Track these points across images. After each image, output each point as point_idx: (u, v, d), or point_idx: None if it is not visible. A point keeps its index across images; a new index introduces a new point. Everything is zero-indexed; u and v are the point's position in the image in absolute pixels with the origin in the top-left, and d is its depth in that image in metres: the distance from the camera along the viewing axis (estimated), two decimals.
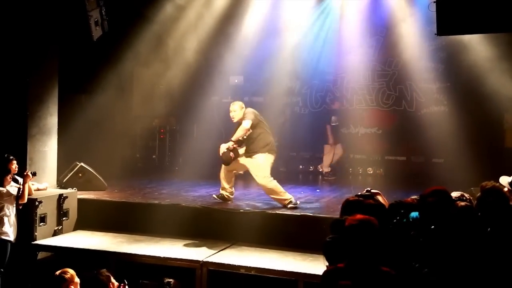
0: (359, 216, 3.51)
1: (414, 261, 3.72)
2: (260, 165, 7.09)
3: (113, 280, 4.15)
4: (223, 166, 7.30)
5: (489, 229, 3.95)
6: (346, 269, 3.36)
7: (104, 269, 4.20)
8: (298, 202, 7.09)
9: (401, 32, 10.28)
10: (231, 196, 7.41)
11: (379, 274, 3.31)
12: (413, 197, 4.38)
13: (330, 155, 10.78)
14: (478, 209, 4.29)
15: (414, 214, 3.99)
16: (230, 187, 7.39)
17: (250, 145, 7.19)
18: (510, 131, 9.47)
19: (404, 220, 3.98)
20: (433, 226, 3.83)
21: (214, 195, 7.42)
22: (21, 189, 6.23)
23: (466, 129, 9.48)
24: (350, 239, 3.37)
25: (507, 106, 9.17)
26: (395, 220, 3.97)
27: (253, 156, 7.13)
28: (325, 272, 3.49)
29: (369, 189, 4.41)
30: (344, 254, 3.42)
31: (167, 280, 4.23)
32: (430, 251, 3.75)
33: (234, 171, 7.44)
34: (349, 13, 10.41)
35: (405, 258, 3.74)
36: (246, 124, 7.05)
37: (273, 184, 7.09)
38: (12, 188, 6.24)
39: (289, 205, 6.97)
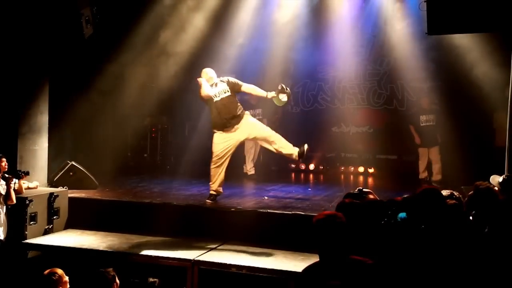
0: (326, 212, 3.60)
1: (402, 259, 3.74)
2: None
3: (117, 280, 4.17)
4: (214, 162, 7.30)
5: (486, 229, 3.99)
6: (322, 264, 3.42)
7: (111, 268, 4.22)
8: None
9: (392, 31, 10.32)
10: (220, 189, 7.40)
11: (356, 264, 3.36)
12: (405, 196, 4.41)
13: (424, 159, 9.69)
14: (468, 207, 4.32)
15: (402, 214, 4.01)
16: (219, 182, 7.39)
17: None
18: (500, 130, 9.52)
19: (392, 220, 4.00)
20: (423, 226, 3.85)
21: (207, 201, 7.35)
22: (8, 190, 6.20)
23: (456, 128, 9.53)
24: (318, 235, 3.43)
25: (497, 105, 9.22)
26: (383, 221, 3.98)
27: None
28: (305, 270, 3.54)
29: (360, 188, 4.43)
30: (317, 250, 3.48)
31: (151, 280, 4.23)
32: (419, 250, 3.77)
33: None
34: (341, 12, 10.42)
35: (393, 256, 3.77)
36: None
37: None
38: (2, 187, 6.21)
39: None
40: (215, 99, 7.28)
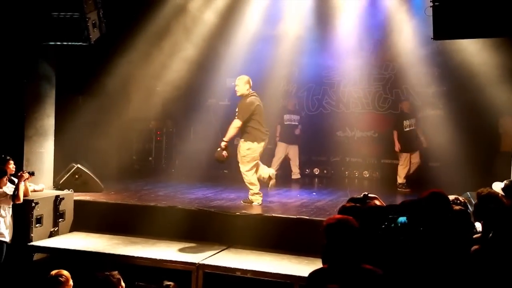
0: (337, 216, 3.56)
1: (403, 265, 3.73)
2: (240, 154, 7.40)
3: (122, 283, 4.17)
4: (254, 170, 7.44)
5: (490, 234, 3.98)
6: (330, 269, 3.38)
7: (116, 271, 4.22)
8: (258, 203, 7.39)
9: (397, 36, 10.32)
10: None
11: (364, 273, 3.32)
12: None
13: (406, 164, 9.77)
14: (476, 215, 4.31)
15: (402, 219, 4.01)
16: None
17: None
18: (505, 135, 9.50)
19: (392, 225, 3.99)
20: (421, 228, 3.85)
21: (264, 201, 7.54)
22: (16, 189, 6.20)
23: (462, 132, 9.51)
24: (330, 239, 3.39)
25: (502, 110, 9.21)
26: (383, 226, 3.98)
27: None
28: (310, 274, 3.51)
29: (366, 193, 4.43)
30: (327, 254, 3.45)
31: (166, 283, 4.22)
32: (419, 254, 3.76)
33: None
34: (346, 17, 10.42)
35: (394, 262, 3.76)
36: (236, 124, 7.32)
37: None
38: (8, 189, 6.23)
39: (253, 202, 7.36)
40: None
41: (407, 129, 9.67)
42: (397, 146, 9.77)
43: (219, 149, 7.35)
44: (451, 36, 6.74)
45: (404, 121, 9.71)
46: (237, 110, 7.40)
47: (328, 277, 3.35)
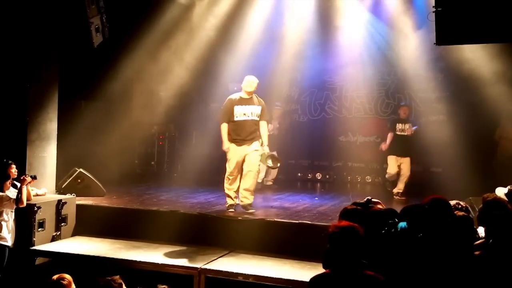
0: (343, 222, 3.56)
1: (403, 270, 3.73)
2: (257, 159, 7.32)
3: (124, 287, 4.16)
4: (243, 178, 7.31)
5: (491, 240, 3.97)
6: (332, 275, 3.38)
7: (118, 276, 4.21)
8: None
9: (400, 41, 10.33)
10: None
11: (366, 279, 3.32)
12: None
13: (392, 166, 9.39)
14: (480, 221, 4.30)
15: (402, 224, 4.00)
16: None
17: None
18: (506, 141, 9.49)
19: (392, 230, 3.99)
20: (421, 234, 3.84)
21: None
22: (19, 192, 6.20)
23: (464, 138, 9.50)
24: (334, 245, 3.39)
25: (504, 115, 9.21)
26: (383, 231, 3.97)
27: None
28: (312, 279, 3.50)
29: (369, 198, 4.43)
30: (330, 260, 3.45)
31: (160, 286, 4.23)
32: (419, 261, 3.75)
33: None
34: (349, 21, 10.44)
35: (394, 267, 3.75)
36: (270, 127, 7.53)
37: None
38: (11, 193, 6.23)
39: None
40: (237, 118, 7.26)
41: (399, 133, 9.34)
42: (385, 145, 9.47)
43: (273, 154, 7.42)
44: (454, 41, 6.74)
45: (397, 124, 9.39)
46: (258, 111, 7.27)
47: (330, 282, 3.36)
